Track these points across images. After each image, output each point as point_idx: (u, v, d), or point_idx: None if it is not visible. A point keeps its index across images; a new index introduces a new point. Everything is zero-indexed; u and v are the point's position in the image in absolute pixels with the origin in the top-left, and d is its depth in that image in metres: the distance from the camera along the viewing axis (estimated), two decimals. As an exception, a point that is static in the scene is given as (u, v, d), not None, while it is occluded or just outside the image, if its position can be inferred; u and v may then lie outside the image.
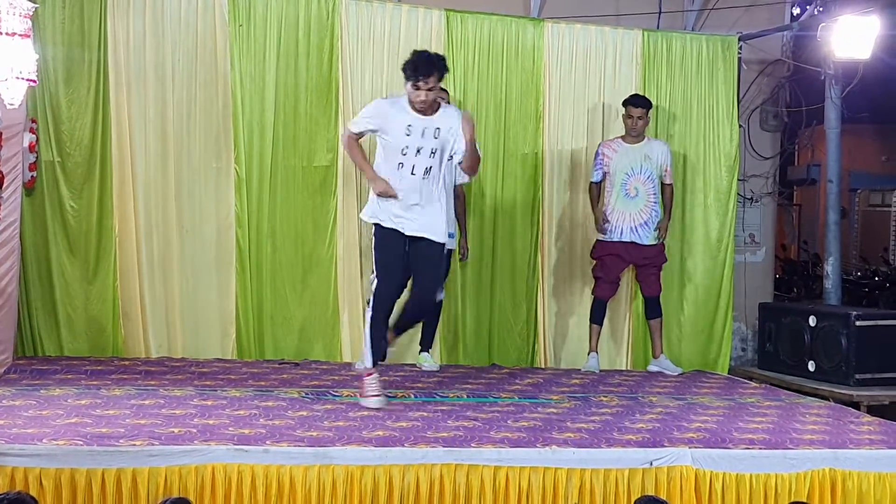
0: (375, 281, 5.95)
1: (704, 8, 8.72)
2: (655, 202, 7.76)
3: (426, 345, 7.47)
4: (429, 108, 5.79)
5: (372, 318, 5.87)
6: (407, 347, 7.68)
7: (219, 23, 7.40)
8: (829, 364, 7.80)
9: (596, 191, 7.86)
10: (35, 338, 7.13)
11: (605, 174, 7.77)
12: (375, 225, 5.92)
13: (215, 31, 7.40)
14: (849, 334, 7.67)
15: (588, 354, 7.89)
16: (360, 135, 5.98)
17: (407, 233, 5.83)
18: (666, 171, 7.81)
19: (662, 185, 7.81)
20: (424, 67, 5.71)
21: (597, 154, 7.82)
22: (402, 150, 5.78)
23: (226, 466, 4.62)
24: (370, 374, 5.87)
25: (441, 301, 7.42)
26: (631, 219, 7.71)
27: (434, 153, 5.81)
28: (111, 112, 7.21)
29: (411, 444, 4.92)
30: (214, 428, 5.05)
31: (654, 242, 7.77)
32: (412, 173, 5.79)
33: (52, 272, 7.14)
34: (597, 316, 7.88)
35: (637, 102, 7.72)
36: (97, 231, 7.23)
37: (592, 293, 7.95)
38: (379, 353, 5.91)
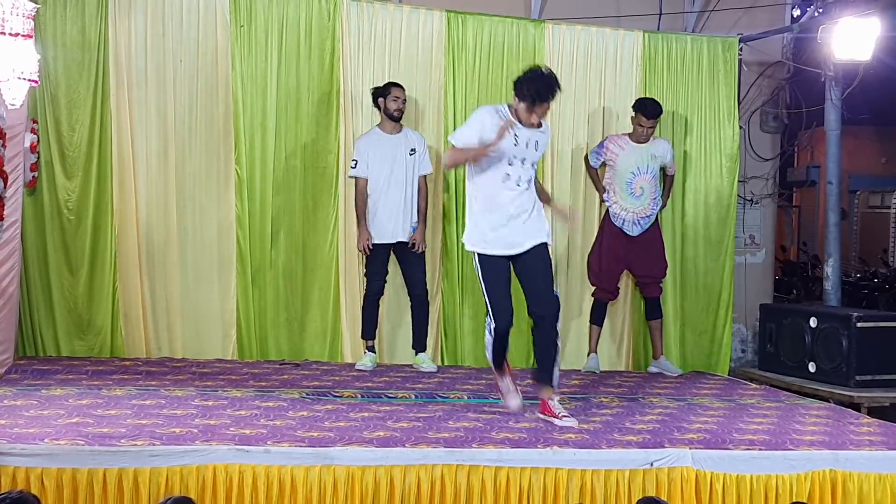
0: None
1: (705, 10, 8.73)
2: (657, 196, 7.83)
3: (421, 346, 7.46)
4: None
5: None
6: (403, 349, 7.68)
7: (220, 24, 7.40)
8: (830, 365, 7.80)
9: (593, 171, 7.95)
10: (36, 338, 7.13)
11: (604, 164, 7.84)
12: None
13: (216, 32, 7.41)
14: (850, 335, 7.67)
15: (588, 355, 7.91)
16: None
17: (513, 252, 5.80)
18: (669, 165, 7.89)
19: (664, 174, 7.89)
20: (546, 93, 5.52)
21: (602, 144, 7.86)
22: (509, 160, 5.60)
23: (227, 466, 4.63)
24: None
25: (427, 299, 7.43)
26: (635, 214, 7.77)
27: (534, 164, 5.74)
28: (112, 113, 7.21)
29: (412, 445, 4.93)
30: (215, 428, 5.06)
31: (651, 223, 7.80)
32: (517, 185, 5.67)
33: (53, 272, 7.14)
34: (597, 317, 7.90)
35: (649, 113, 7.64)
36: (97, 231, 7.23)
37: (592, 295, 7.97)
38: None
